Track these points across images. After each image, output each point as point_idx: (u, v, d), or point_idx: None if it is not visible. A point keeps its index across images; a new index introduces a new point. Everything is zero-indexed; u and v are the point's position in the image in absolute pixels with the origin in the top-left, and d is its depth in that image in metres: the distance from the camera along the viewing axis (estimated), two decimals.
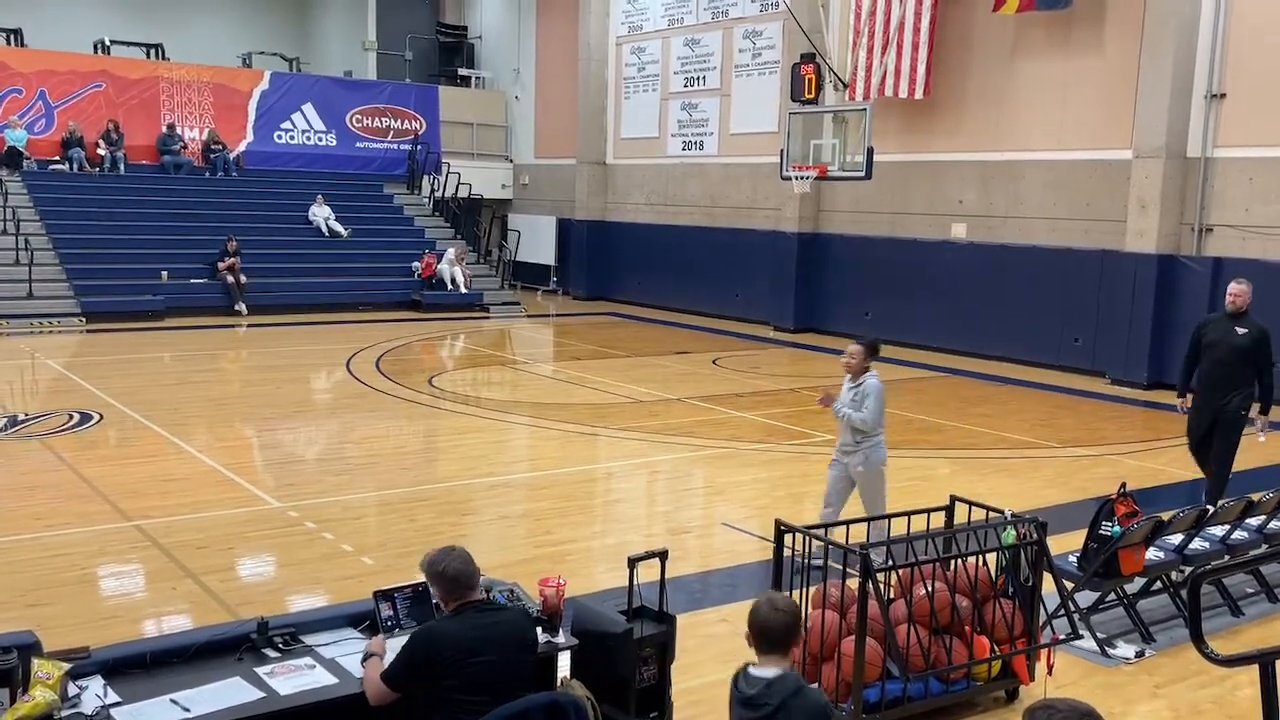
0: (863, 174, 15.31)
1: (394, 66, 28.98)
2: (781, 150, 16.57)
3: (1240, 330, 8.49)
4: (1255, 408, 8.63)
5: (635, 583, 4.85)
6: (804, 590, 5.30)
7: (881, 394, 7.13)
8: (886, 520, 6.65)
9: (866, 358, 7.19)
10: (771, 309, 21.03)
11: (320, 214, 23.28)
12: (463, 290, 22.62)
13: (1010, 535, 5.48)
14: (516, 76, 28.03)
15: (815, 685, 4.82)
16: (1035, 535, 5.50)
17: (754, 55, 21.64)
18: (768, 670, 3.49)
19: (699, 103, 22.98)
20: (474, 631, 3.86)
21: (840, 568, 5.18)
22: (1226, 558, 6.72)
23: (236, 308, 20.42)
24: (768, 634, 3.51)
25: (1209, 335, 8.67)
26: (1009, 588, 5.52)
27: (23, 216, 20.32)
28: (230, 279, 20.49)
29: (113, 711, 3.65)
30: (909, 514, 5.81)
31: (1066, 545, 6.77)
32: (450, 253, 22.96)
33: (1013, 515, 5.64)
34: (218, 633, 4.29)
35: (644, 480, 10.15)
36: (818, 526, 5.47)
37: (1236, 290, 8.59)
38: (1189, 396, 8.96)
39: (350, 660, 4.13)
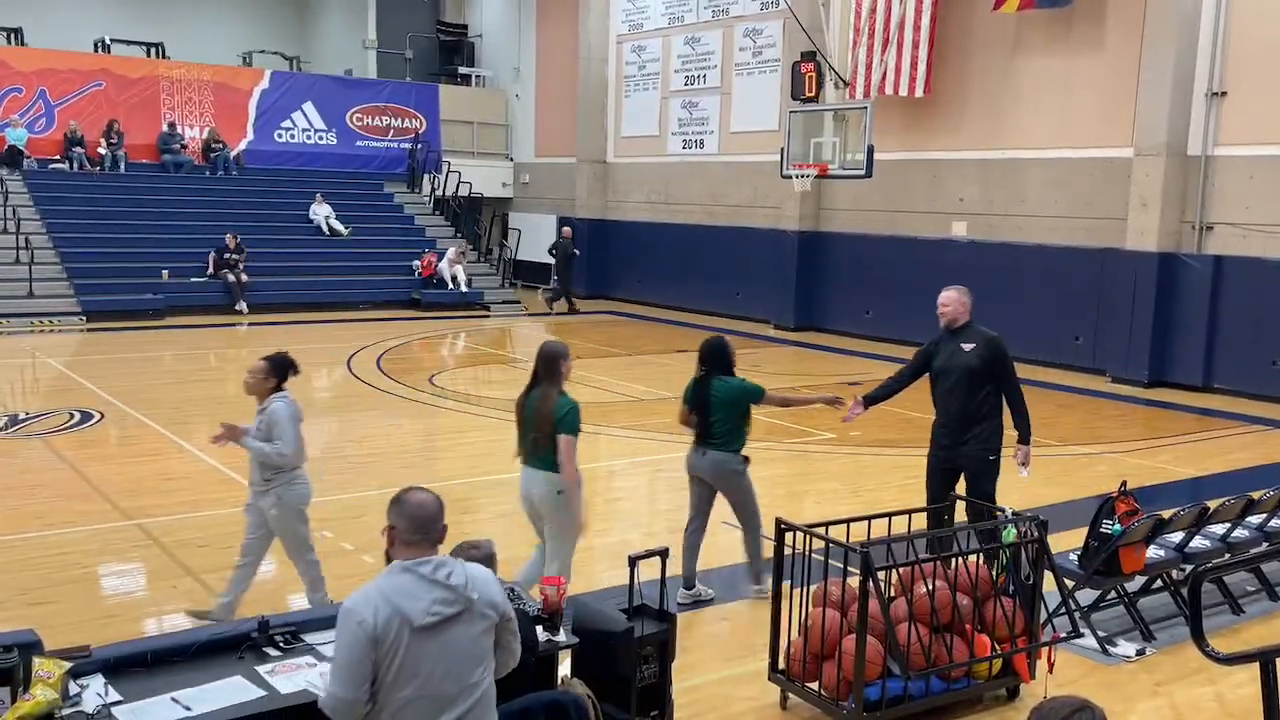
0: (863, 172, 15.30)
1: (394, 65, 28.97)
2: (782, 149, 16.56)
3: (966, 347, 6.75)
4: (1020, 446, 6.83)
5: (636, 581, 4.85)
6: (804, 588, 5.31)
7: (295, 418, 5.84)
8: (324, 592, 5.95)
9: (271, 376, 5.89)
10: (772, 307, 21.02)
11: (320, 212, 23.29)
12: (462, 289, 22.61)
13: (1011, 533, 5.48)
14: (517, 75, 28.02)
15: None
16: (1036, 533, 5.50)
17: (754, 54, 21.63)
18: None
19: (699, 101, 22.97)
20: None
21: (841, 566, 5.18)
22: (1227, 556, 6.72)
23: (237, 307, 20.42)
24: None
25: (938, 359, 6.92)
26: (1010, 586, 5.52)
27: (23, 215, 20.33)
28: (231, 278, 20.49)
29: (114, 710, 3.65)
30: (909, 512, 5.81)
31: (1067, 543, 6.77)
32: (450, 252, 22.95)
33: (1013, 513, 5.64)
34: (219, 631, 4.29)
35: (645, 479, 10.15)
36: (817, 525, 5.47)
37: (943, 299, 6.87)
38: (860, 405, 7.15)
39: None
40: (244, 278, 20.61)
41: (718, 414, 6.69)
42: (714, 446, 6.68)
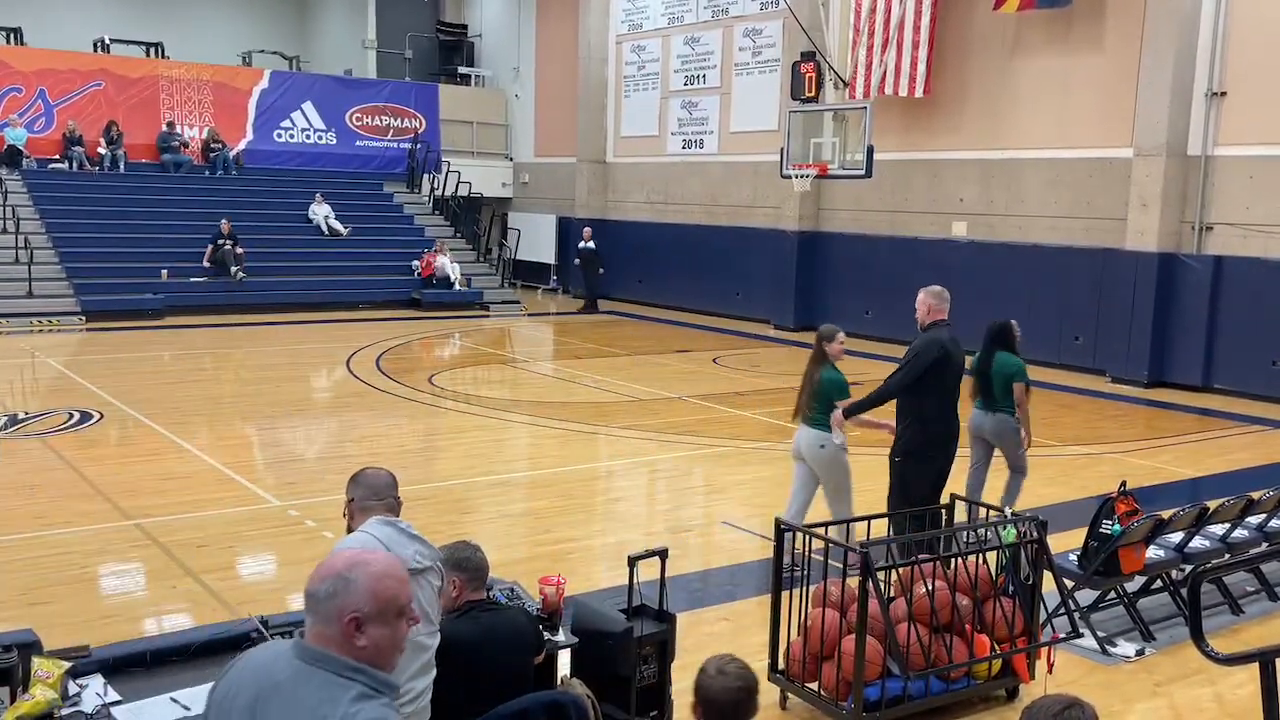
0: (863, 172, 15.29)
1: (394, 65, 28.97)
2: (782, 149, 16.55)
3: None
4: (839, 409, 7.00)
5: (635, 581, 4.85)
6: (804, 588, 5.31)
7: None
8: None
9: None
10: (772, 307, 21.02)
11: (320, 212, 23.28)
12: (455, 285, 22.61)
13: (1010, 534, 5.48)
14: (516, 75, 28.02)
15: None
16: (1035, 534, 5.50)
17: (754, 54, 21.63)
18: None
19: (699, 101, 22.97)
20: (479, 630, 3.90)
21: (840, 566, 5.18)
22: (1227, 556, 6.72)
23: (234, 274, 20.59)
24: (715, 709, 2.89)
25: None
26: (1009, 586, 5.52)
27: (22, 215, 20.32)
28: (230, 261, 20.67)
29: (113, 710, 3.65)
30: (909, 512, 5.81)
31: (1067, 544, 6.77)
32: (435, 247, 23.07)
33: (1013, 514, 5.64)
34: (218, 631, 4.29)
35: (644, 479, 10.15)
36: (817, 525, 5.47)
37: (917, 301, 7.06)
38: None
39: None
40: (240, 251, 20.85)
41: (997, 385, 7.82)
42: (995, 410, 7.83)
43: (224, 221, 21.01)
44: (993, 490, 8.01)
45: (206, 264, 20.75)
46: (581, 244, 23.49)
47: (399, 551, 3.59)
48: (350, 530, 3.76)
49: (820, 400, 7.00)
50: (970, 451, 8.07)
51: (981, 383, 7.93)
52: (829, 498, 7.17)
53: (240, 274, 20.64)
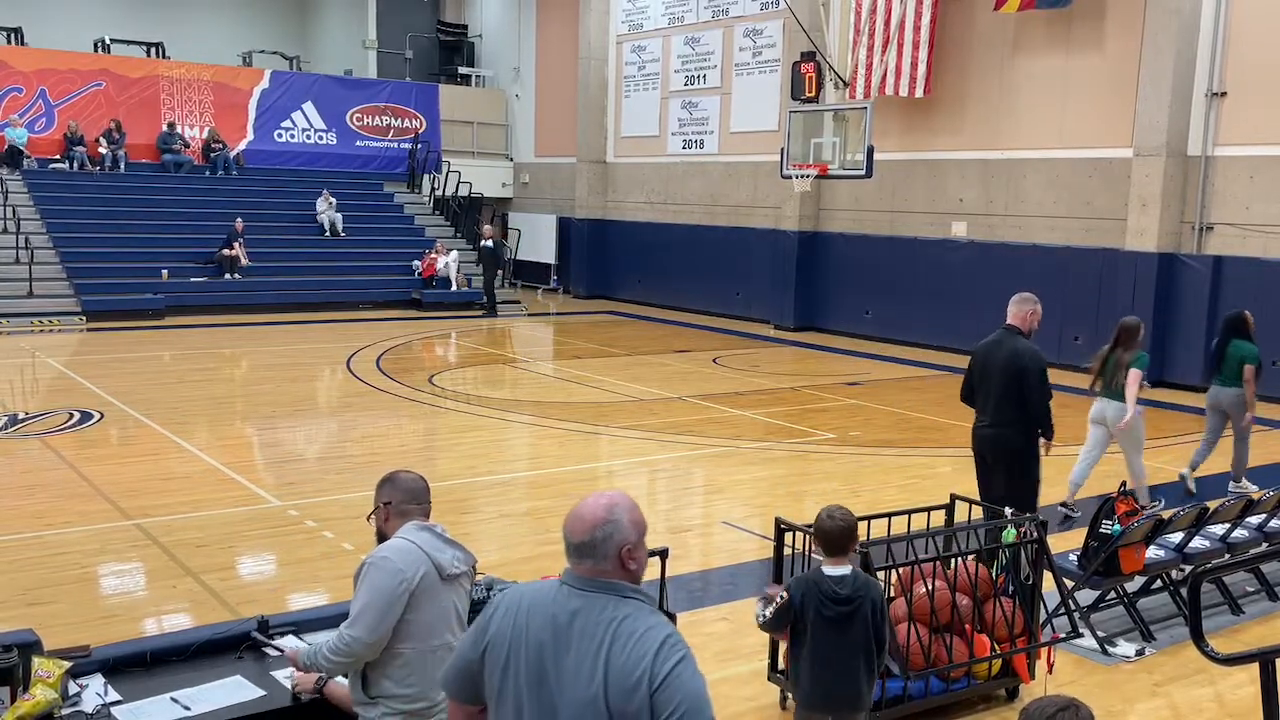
0: (863, 172, 15.29)
1: (394, 65, 28.97)
2: (782, 149, 16.54)
3: None
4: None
5: None
6: None
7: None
8: None
9: None
10: (772, 308, 21.03)
11: (326, 210, 23.24)
12: (453, 285, 22.60)
13: (1010, 534, 5.48)
14: (517, 75, 28.02)
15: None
16: (1035, 534, 5.50)
17: (754, 54, 21.64)
18: (841, 569, 4.28)
19: (699, 101, 22.97)
20: None
21: None
22: (1227, 556, 6.72)
23: (228, 276, 20.84)
24: (830, 539, 4.29)
25: None
26: (1009, 586, 5.52)
27: (23, 215, 20.33)
28: (232, 253, 20.82)
29: (113, 710, 3.66)
30: (909, 512, 5.81)
31: (1067, 544, 6.77)
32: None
33: (1013, 514, 5.64)
34: (218, 631, 4.29)
35: (644, 479, 10.15)
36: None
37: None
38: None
39: None
40: (243, 259, 20.98)
41: (1231, 365, 9.53)
42: (1231, 385, 9.55)
43: (238, 220, 21.14)
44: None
45: (221, 255, 20.95)
46: (481, 242, 22.61)
47: (437, 557, 3.55)
48: (383, 533, 3.67)
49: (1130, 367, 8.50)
50: (1206, 421, 9.94)
51: (1220, 363, 9.64)
52: (1128, 457, 8.85)
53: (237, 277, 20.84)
